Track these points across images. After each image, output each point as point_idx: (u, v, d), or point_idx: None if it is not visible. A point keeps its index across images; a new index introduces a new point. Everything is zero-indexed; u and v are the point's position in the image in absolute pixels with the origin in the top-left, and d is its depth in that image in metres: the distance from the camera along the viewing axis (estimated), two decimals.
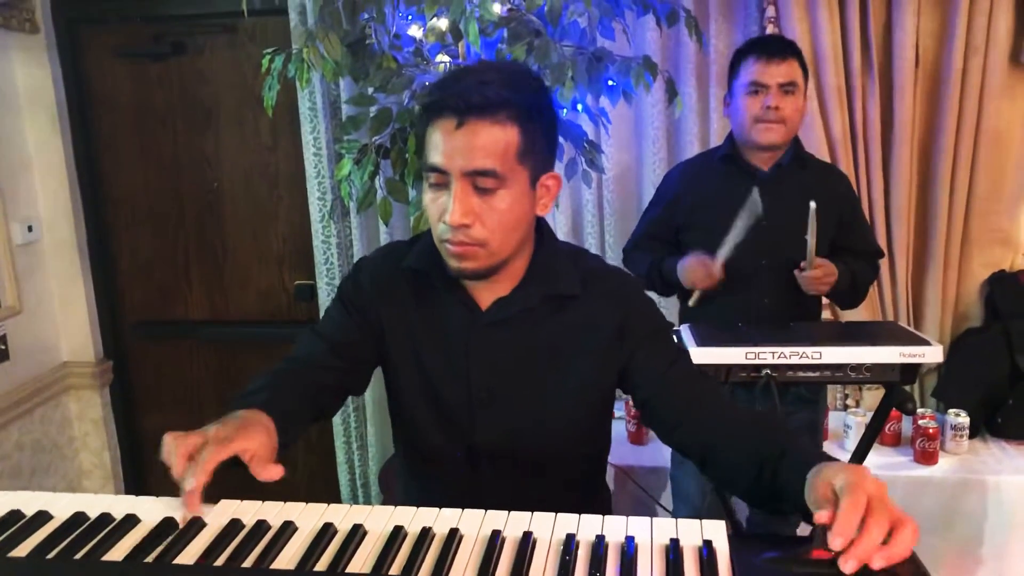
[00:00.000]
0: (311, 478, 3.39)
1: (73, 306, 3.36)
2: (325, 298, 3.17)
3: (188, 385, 3.51)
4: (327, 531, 1.01)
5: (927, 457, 2.70)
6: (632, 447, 2.94)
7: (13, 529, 1.01)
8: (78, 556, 0.96)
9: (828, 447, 2.58)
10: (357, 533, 1.01)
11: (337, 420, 3.29)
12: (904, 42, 2.76)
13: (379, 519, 1.05)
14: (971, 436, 2.79)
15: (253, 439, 1.08)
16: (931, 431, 2.69)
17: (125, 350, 3.52)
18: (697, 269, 2.17)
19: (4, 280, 3.04)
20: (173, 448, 1.04)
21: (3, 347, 3.05)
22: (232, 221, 3.34)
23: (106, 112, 3.32)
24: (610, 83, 2.27)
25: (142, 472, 3.60)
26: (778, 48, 2.17)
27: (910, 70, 2.78)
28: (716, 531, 1.02)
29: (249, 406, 1.19)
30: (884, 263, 2.80)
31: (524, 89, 1.23)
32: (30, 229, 3.19)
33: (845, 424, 2.83)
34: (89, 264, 3.37)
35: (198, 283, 3.42)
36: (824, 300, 2.45)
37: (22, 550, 0.97)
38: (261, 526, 1.02)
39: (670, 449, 2.53)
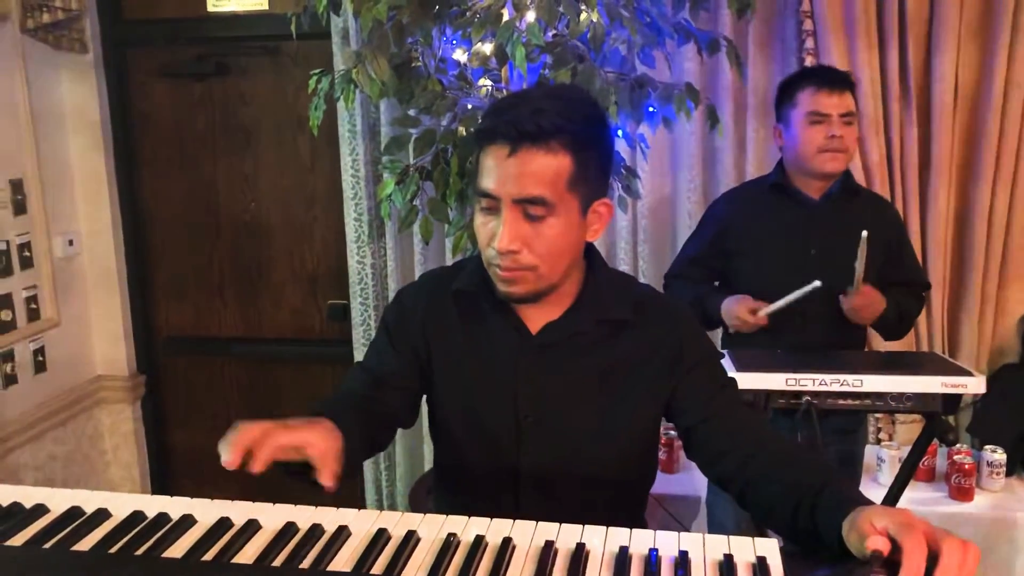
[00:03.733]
0: (337, 497, 3.38)
1: (109, 320, 3.40)
2: (358, 318, 3.19)
3: (219, 401, 3.53)
4: (381, 536, 1.02)
5: (962, 493, 2.66)
6: (662, 475, 2.92)
7: (74, 525, 1.03)
8: (138, 552, 0.97)
9: (863, 481, 2.55)
10: (411, 539, 1.02)
11: None
12: (943, 75, 2.76)
13: (432, 526, 1.05)
14: (1008, 474, 2.74)
15: (319, 434, 1.06)
16: (967, 467, 2.65)
17: (158, 365, 3.55)
18: (742, 315, 2.18)
19: (44, 293, 3.08)
20: (234, 436, 1.00)
21: (40, 359, 3.09)
22: (268, 240, 3.38)
23: (148, 131, 3.38)
24: (650, 109, 2.29)
25: (171, 487, 3.61)
26: (837, 79, 2.20)
27: (949, 103, 2.78)
28: (769, 549, 1.02)
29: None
30: None
31: (579, 117, 1.23)
32: (71, 243, 3.25)
33: (879, 457, 2.80)
34: (126, 279, 3.42)
35: (232, 300, 3.46)
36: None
37: (84, 545, 0.99)
38: (316, 529, 1.03)
39: (705, 478, 2.53)
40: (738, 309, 2.20)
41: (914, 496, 2.67)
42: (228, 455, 0.97)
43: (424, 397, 1.46)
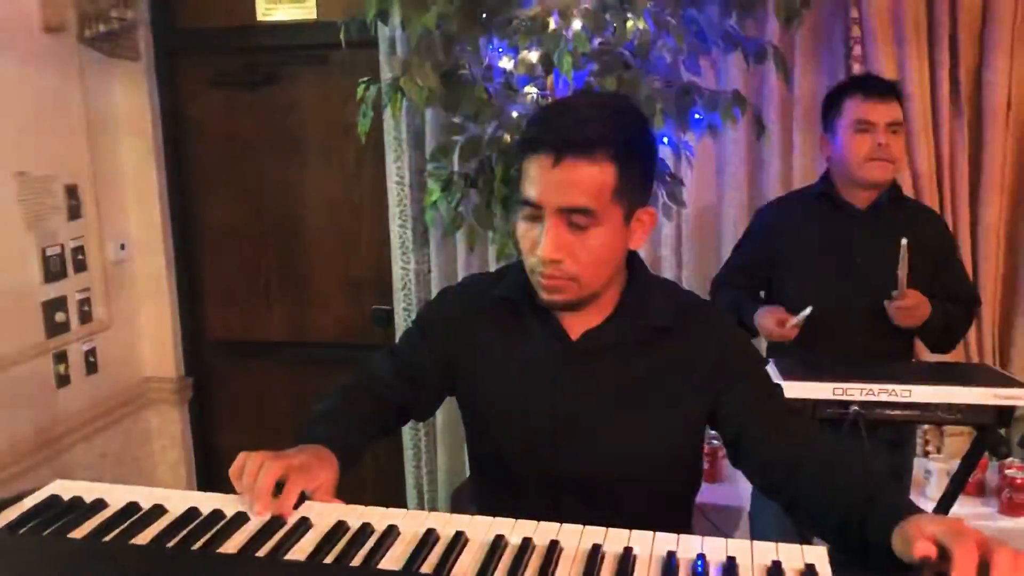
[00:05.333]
0: (380, 500, 3.40)
1: (158, 323, 3.48)
2: (402, 323, 3.22)
3: (265, 404, 3.58)
4: (430, 536, 1.03)
5: (1013, 508, 2.62)
6: (705, 484, 2.89)
7: (132, 520, 1.05)
8: (194, 547, 0.99)
9: (911, 494, 2.51)
10: (460, 540, 1.02)
11: (408, 444, 3.33)
12: (995, 84, 2.72)
13: (480, 528, 1.06)
14: None
15: (321, 475, 1.15)
16: (1018, 481, 2.60)
17: (205, 368, 3.62)
18: (771, 328, 2.18)
19: (96, 296, 3.16)
20: (256, 479, 1.10)
21: (92, 360, 3.16)
22: (314, 246, 3.43)
23: (198, 138, 3.45)
24: (696, 117, 2.29)
25: (217, 489, 3.64)
26: (884, 88, 2.19)
27: (1001, 113, 2.74)
28: (818, 556, 1.01)
29: (313, 440, 1.24)
30: None
31: (623, 127, 1.23)
32: (122, 247, 3.32)
33: (926, 470, 2.76)
34: (175, 283, 3.49)
35: (278, 305, 3.51)
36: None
37: (142, 539, 1.01)
38: (366, 528, 1.05)
39: (749, 488, 2.51)
40: (766, 320, 2.19)
41: (963, 511, 2.62)
42: (263, 504, 1.08)
43: (457, 403, 1.48)
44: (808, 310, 2.11)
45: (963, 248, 2.81)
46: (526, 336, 1.37)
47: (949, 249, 2.33)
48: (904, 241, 2.03)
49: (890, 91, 2.19)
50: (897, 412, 1.87)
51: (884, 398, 1.86)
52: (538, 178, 1.21)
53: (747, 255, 2.41)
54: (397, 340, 1.57)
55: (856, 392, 1.86)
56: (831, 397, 1.87)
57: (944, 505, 2.11)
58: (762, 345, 2.45)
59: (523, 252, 1.29)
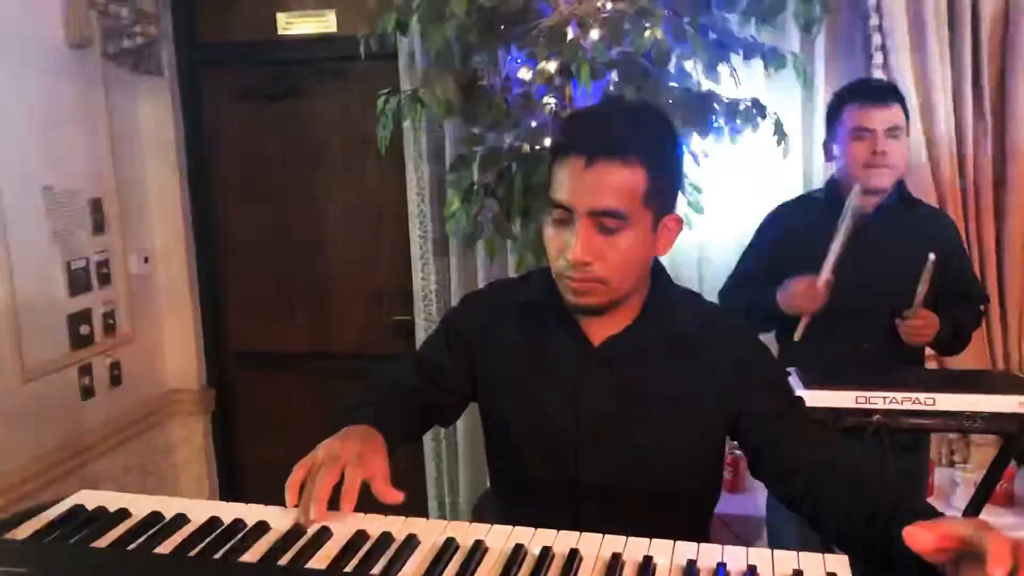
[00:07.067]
0: (403, 510, 3.40)
1: (181, 335, 3.51)
2: (422, 334, 3.23)
3: (287, 414, 3.59)
4: (450, 546, 1.03)
5: None
6: (727, 495, 2.89)
7: (155, 529, 1.06)
8: (216, 556, 1.00)
9: (934, 504, 2.48)
10: (479, 549, 1.03)
11: (429, 453, 3.33)
12: (1018, 90, 2.70)
13: (499, 537, 1.06)
14: None
15: (376, 460, 1.13)
16: None
17: (228, 379, 3.64)
18: (801, 293, 2.14)
19: (121, 309, 3.19)
20: (311, 493, 1.08)
21: (116, 372, 3.19)
22: (335, 257, 3.45)
23: (220, 151, 3.49)
24: (716, 124, 2.28)
25: (240, 499, 3.65)
26: (881, 93, 2.18)
27: None
28: (840, 565, 1.00)
29: (358, 421, 1.22)
30: (995, 314, 2.73)
31: (654, 132, 1.25)
32: (145, 260, 3.36)
33: (953, 480, 2.73)
34: (198, 295, 3.52)
35: (300, 316, 3.53)
36: (929, 351, 2.39)
37: (165, 548, 1.02)
38: (386, 538, 1.05)
39: (764, 496, 2.50)
40: (795, 285, 2.16)
41: (990, 522, 2.57)
42: (320, 510, 1.06)
43: (479, 409, 1.48)
44: (833, 253, 2.09)
45: (988, 256, 2.78)
46: (548, 341, 1.38)
47: (957, 249, 2.33)
48: (932, 257, 2.02)
49: (888, 95, 2.18)
50: (920, 421, 1.85)
51: (907, 406, 1.84)
52: (570, 181, 1.22)
53: (754, 262, 2.40)
54: (420, 345, 1.57)
55: (879, 400, 1.84)
56: (853, 406, 1.85)
57: (969, 516, 2.08)
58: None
59: (551, 256, 1.29)
